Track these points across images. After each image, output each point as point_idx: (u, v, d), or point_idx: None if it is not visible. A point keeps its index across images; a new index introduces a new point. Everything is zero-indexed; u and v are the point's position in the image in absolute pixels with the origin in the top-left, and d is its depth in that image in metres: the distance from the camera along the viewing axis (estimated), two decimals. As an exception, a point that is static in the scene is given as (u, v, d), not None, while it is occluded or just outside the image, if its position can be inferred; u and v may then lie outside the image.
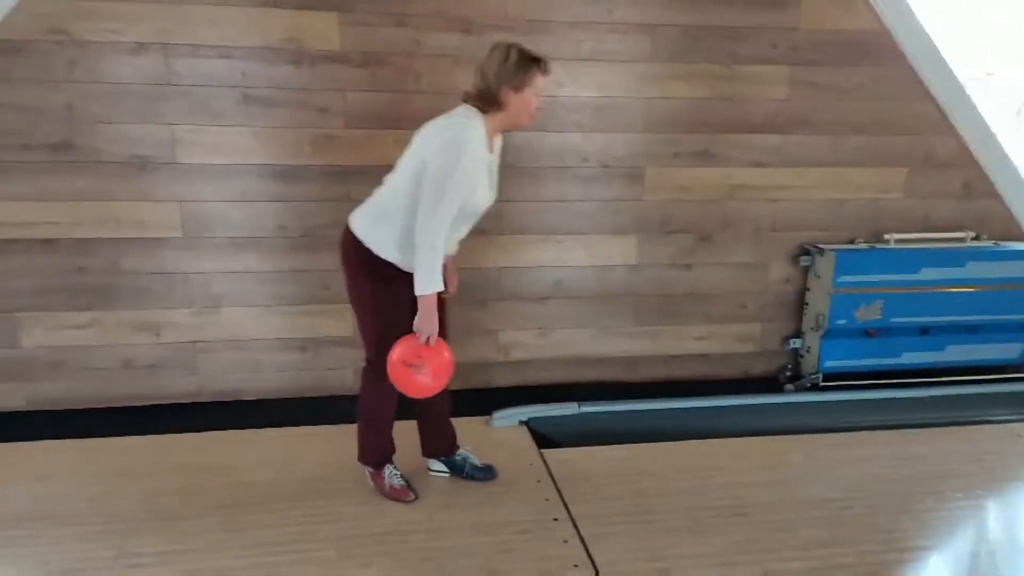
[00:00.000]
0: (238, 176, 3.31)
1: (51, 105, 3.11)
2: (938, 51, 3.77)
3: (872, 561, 2.45)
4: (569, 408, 3.36)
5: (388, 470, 2.75)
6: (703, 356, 3.93)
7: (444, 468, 2.89)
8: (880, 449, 3.20)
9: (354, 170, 3.33)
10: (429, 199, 2.33)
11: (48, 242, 3.25)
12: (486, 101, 2.40)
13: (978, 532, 2.70)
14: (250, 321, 3.49)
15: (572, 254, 3.68)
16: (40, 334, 3.35)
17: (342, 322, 3.47)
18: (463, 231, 2.57)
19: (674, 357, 3.91)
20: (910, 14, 3.68)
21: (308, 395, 3.58)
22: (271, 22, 3.18)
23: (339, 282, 3.37)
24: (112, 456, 2.98)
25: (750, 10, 3.53)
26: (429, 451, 2.89)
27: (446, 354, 2.48)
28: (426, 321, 2.42)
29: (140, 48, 3.11)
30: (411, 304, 2.45)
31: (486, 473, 2.87)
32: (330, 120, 3.32)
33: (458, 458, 2.88)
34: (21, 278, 3.27)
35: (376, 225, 2.48)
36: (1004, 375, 3.92)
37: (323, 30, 3.22)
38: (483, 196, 2.48)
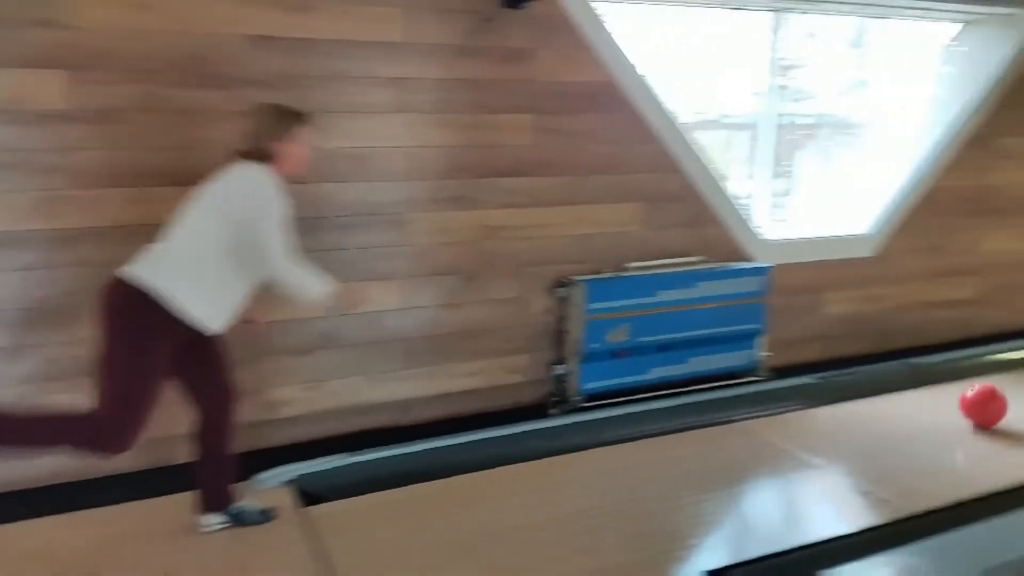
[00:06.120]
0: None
1: None
2: (658, 99, 4.26)
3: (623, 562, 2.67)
4: (339, 460, 3.33)
5: None
6: (474, 392, 4.05)
7: (223, 520, 2.79)
8: (634, 458, 3.48)
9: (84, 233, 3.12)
10: (269, 236, 2.51)
11: None
12: (262, 157, 2.56)
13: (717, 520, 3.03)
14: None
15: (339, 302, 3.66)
16: None
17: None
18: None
19: (446, 395, 3.99)
20: (631, 67, 4.14)
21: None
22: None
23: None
24: None
25: (493, 65, 3.79)
26: (209, 506, 2.77)
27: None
28: None
29: None
30: (164, 370, 2.46)
31: (264, 516, 2.86)
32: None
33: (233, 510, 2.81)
34: None
35: (180, 277, 2.42)
36: (740, 380, 4.47)
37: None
38: None
